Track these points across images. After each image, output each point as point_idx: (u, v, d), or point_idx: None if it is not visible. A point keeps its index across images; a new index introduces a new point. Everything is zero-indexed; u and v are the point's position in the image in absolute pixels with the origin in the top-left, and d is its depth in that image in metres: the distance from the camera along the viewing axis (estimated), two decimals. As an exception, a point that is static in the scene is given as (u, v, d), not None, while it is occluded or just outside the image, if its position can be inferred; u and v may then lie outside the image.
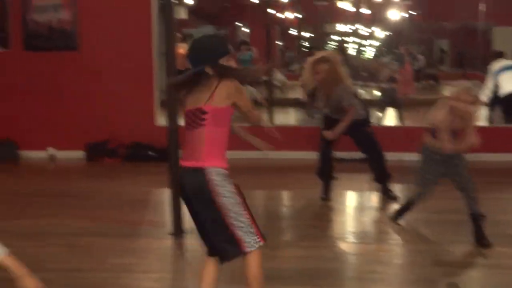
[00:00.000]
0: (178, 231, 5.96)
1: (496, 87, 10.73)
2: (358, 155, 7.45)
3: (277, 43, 20.45)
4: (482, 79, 11.82)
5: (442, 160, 5.60)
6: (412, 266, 5.12)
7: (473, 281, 5.04)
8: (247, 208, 3.66)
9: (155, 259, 5.49)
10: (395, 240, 5.99)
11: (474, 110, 5.47)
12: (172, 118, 6.02)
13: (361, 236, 6.14)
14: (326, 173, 7.29)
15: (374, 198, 7.40)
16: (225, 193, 3.60)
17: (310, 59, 7.20)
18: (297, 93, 13.80)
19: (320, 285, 4.72)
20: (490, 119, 11.08)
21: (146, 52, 10.02)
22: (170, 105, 6.07)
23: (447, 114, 5.44)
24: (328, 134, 6.93)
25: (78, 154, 10.07)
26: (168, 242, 5.87)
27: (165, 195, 6.60)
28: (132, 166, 9.56)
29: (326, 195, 7.29)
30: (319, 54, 7.21)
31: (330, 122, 7.05)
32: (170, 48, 6.02)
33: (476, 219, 5.58)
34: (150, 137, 9.77)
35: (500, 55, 11.41)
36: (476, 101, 5.55)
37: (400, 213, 6.16)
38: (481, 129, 5.65)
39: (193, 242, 5.78)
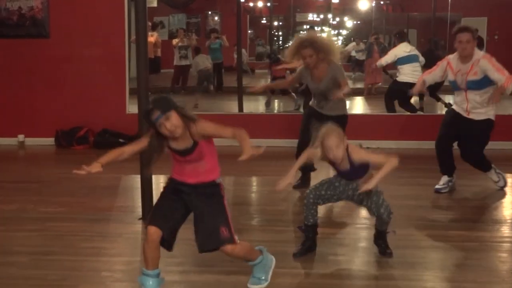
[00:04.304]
0: (147, 216, 6.03)
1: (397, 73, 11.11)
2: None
3: (248, 32, 20.58)
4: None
5: None
6: (374, 249, 5.25)
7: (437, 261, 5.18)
8: None
9: (124, 244, 5.56)
10: (359, 224, 6.13)
11: None
12: (142, 106, 6.04)
13: (325, 221, 6.21)
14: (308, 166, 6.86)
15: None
16: None
17: (293, 45, 6.77)
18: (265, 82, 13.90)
19: (288, 268, 4.85)
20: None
21: (118, 40, 10.06)
22: (141, 93, 6.11)
23: None
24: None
25: (48, 141, 10.13)
26: (137, 227, 5.97)
27: (135, 181, 6.65)
28: (102, 153, 9.52)
29: (303, 184, 7.16)
30: (299, 38, 6.74)
31: (318, 117, 6.78)
32: (141, 37, 5.99)
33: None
34: (121, 125, 9.85)
35: (402, 36, 11.43)
36: None
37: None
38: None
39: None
